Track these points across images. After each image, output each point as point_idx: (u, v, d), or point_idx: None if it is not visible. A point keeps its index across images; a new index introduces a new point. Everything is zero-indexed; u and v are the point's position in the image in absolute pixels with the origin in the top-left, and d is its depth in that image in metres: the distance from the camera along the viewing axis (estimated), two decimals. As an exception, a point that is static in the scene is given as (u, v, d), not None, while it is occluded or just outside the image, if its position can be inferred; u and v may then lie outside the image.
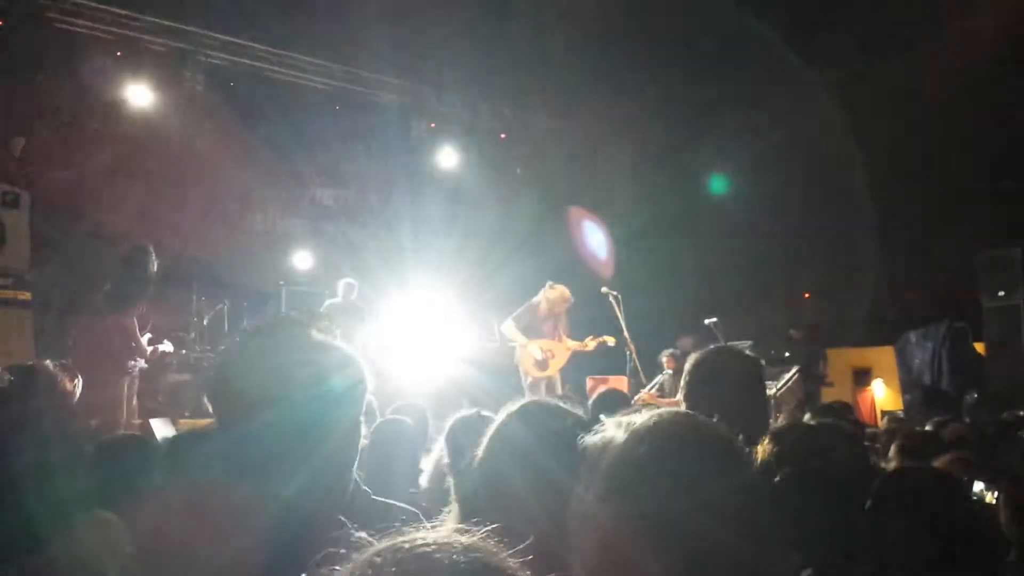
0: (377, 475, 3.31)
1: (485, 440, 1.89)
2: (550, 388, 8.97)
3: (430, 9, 12.00)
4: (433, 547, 0.86)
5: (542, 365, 9.09)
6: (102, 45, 11.34)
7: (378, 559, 0.85)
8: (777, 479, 2.04)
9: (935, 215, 12.35)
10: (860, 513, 2.11)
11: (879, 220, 13.04)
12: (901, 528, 2.19)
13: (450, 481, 3.13)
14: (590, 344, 9.41)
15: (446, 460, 3.21)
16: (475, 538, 0.90)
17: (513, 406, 1.94)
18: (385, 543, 0.88)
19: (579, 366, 10.15)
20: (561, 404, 2.00)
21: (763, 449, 2.12)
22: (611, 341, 9.49)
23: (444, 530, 0.91)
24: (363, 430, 1.65)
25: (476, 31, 12.23)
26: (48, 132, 10.73)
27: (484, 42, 12.32)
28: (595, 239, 14.71)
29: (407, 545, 0.87)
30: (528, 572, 0.91)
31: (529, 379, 9.12)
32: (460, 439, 3.17)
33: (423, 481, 3.80)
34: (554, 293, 9.19)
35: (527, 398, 1.99)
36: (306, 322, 1.65)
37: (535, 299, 9.29)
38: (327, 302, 10.34)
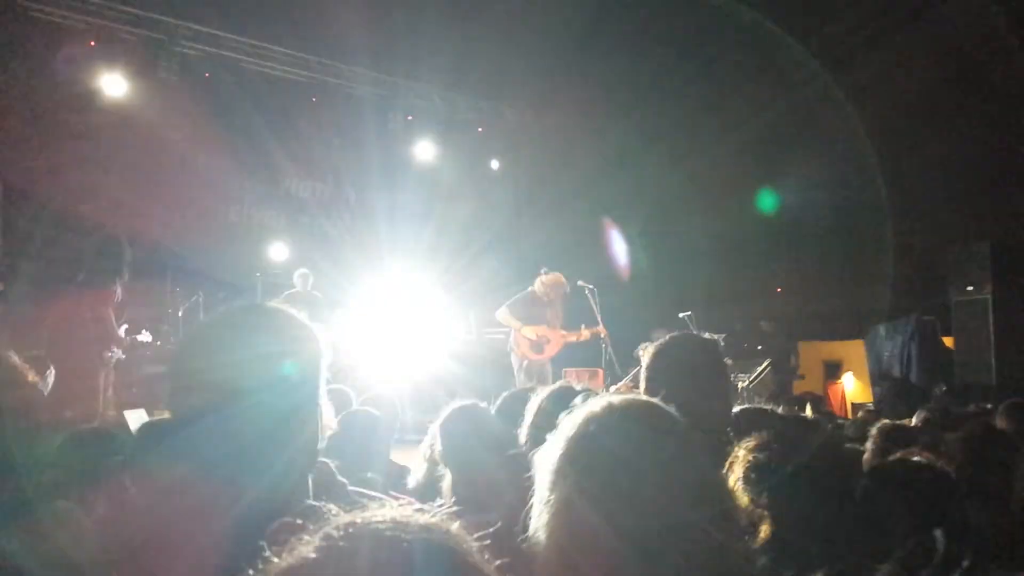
0: (352, 464, 3.33)
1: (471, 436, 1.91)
2: (542, 377, 9.01)
3: (407, 1, 11.99)
4: (388, 524, 0.86)
5: (538, 348, 9.18)
6: (76, 34, 11.23)
7: (333, 532, 0.86)
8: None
9: (906, 210, 12.50)
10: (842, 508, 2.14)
11: (850, 215, 13.19)
12: (891, 519, 2.24)
13: (443, 471, 3.17)
14: (585, 333, 9.48)
15: (439, 449, 3.23)
16: (434, 518, 0.90)
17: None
18: (343, 518, 0.88)
19: (556, 358, 10.22)
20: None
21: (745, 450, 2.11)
22: (603, 333, 9.58)
23: (405, 509, 0.91)
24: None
25: (453, 23, 12.22)
26: (21, 121, 10.62)
27: (461, 34, 12.31)
28: (617, 246, 14.82)
29: (361, 521, 0.87)
30: (487, 555, 0.91)
31: (525, 362, 9.19)
32: (454, 431, 3.19)
33: (420, 476, 3.76)
34: (548, 278, 9.31)
35: (520, 384, 2.05)
36: (269, 307, 1.63)
37: (531, 287, 9.39)
38: (284, 293, 10.36)
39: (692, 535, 1.25)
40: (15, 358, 2.64)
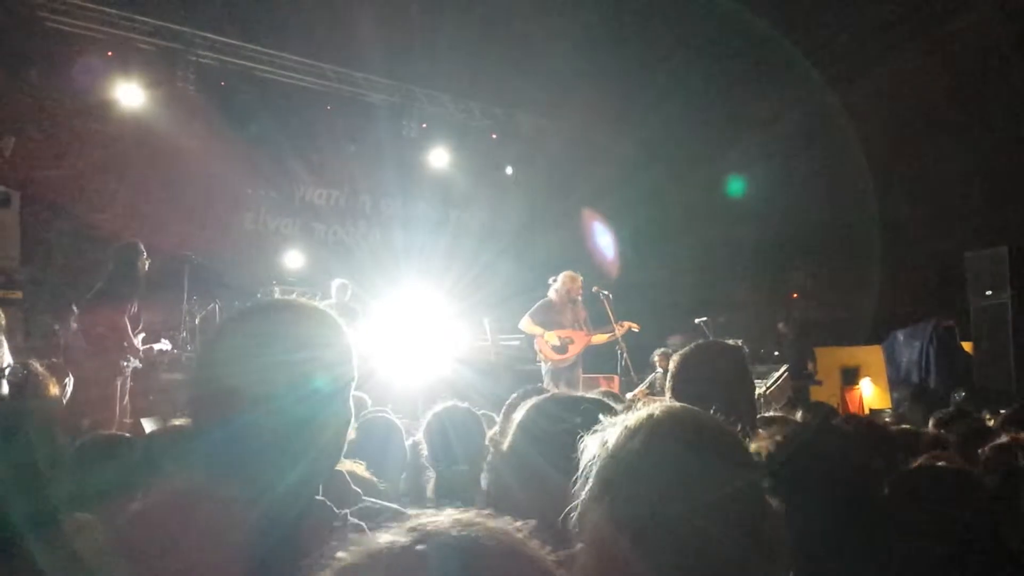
0: (369, 470, 3.31)
1: (508, 438, 1.88)
2: (570, 381, 8.96)
3: (421, 9, 12.02)
4: (458, 527, 0.86)
5: (560, 350, 9.14)
6: (93, 44, 11.32)
7: (401, 537, 0.85)
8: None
9: (923, 214, 12.42)
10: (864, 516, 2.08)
11: (867, 220, 13.10)
12: (916, 527, 2.18)
13: (430, 476, 3.13)
14: (621, 327, 9.39)
15: (425, 454, 3.20)
16: (499, 522, 0.89)
17: (527, 403, 1.91)
18: (410, 521, 0.87)
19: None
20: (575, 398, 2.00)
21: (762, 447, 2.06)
22: (636, 327, 9.52)
23: (468, 513, 0.90)
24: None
25: (467, 31, 12.24)
26: (39, 131, 10.71)
27: (475, 42, 12.33)
28: (603, 239, 14.83)
29: (427, 522, 0.86)
30: (552, 557, 0.89)
31: (549, 365, 9.17)
32: (437, 432, 3.17)
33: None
34: (560, 281, 9.30)
35: (546, 390, 2.02)
36: (296, 305, 1.58)
37: (547, 296, 9.38)
38: (322, 303, 10.30)
39: (741, 563, 1.15)
40: (39, 366, 2.65)
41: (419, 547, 0.83)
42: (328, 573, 0.87)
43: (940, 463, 2.69)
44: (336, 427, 1.50)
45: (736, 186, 15.18)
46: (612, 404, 1.89)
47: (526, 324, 9.35)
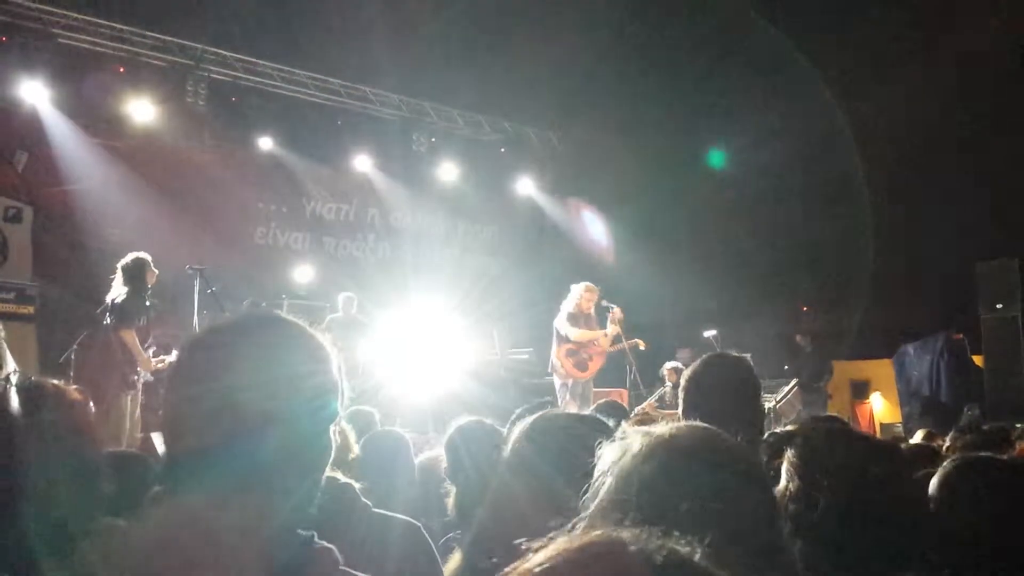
0: (378, 485, 3.33)
1: (504, 454, 1.88)
2: (584, 397, 8.96)
3: (430, 24, 12.09)
4: (635, 541, 0.82)
5: (581, 367, 9.13)
6: (105, 60, 11.41)
7: (573, 553, 0.80)
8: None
9: (933, 227, 12.38)
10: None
11: (877, 232, 13.08)
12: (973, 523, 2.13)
13: (449, 488, 3.15)
14: (628, 344, 9.38)
15: (444, 466, 3.23)
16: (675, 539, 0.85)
17: (525, 421, 1.92)
18: (583, 537, 0.83)
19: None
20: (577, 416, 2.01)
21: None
22: (642, 345, 9.51)
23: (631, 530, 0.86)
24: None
25: (476, 45, 12.31)
26: (51, 147, 10.77)
27: (484, 56, 12.39)
28: (595, 229, 14.86)
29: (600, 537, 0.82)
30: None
31: (570, 381, 9.13)
32: (460, 447, 3.19)
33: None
34: (578, 292, 9.26)
35: (564, 404, 2.01)
36: (285, 319, 1.51)
37: (569, 307, 9.31)
38: (328, 317, 10.33)
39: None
40: (52, 381, 2.65)
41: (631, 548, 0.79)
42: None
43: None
44: (331, 442, 1.46)
45: (717, 158, 15.27)
46: (605, 420, 1.89)
47: (570, 330, 9.17)
